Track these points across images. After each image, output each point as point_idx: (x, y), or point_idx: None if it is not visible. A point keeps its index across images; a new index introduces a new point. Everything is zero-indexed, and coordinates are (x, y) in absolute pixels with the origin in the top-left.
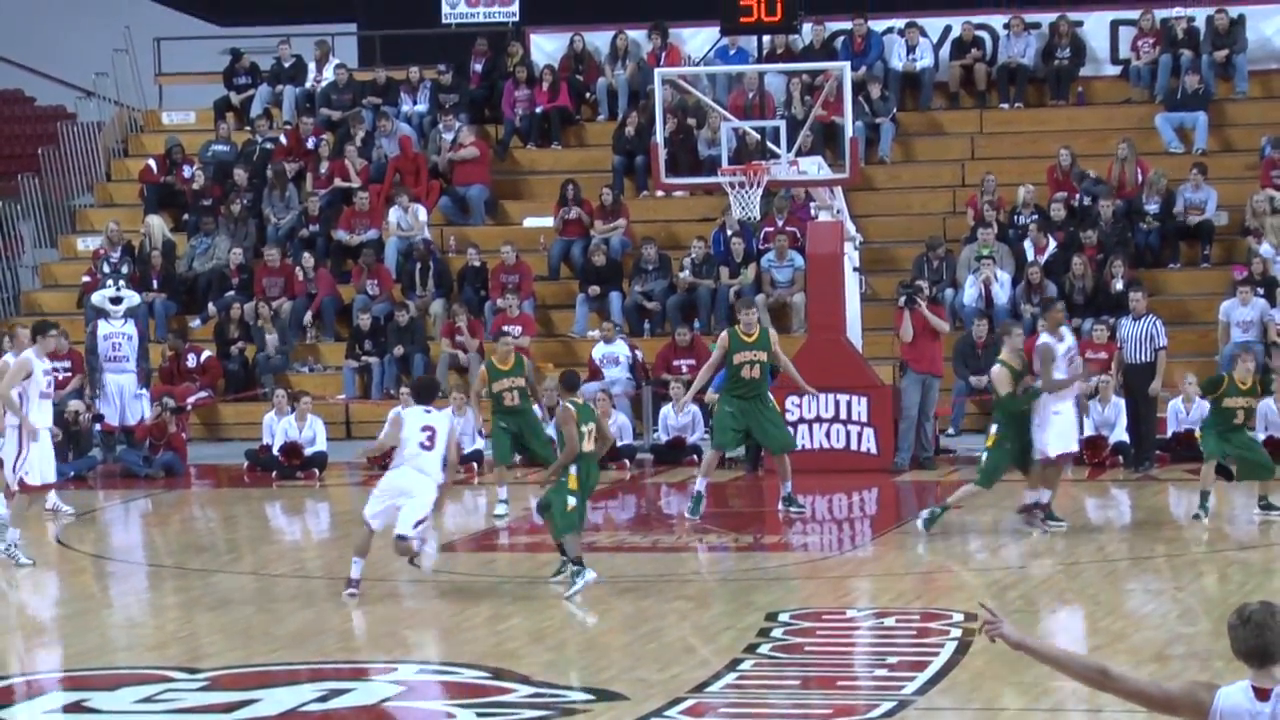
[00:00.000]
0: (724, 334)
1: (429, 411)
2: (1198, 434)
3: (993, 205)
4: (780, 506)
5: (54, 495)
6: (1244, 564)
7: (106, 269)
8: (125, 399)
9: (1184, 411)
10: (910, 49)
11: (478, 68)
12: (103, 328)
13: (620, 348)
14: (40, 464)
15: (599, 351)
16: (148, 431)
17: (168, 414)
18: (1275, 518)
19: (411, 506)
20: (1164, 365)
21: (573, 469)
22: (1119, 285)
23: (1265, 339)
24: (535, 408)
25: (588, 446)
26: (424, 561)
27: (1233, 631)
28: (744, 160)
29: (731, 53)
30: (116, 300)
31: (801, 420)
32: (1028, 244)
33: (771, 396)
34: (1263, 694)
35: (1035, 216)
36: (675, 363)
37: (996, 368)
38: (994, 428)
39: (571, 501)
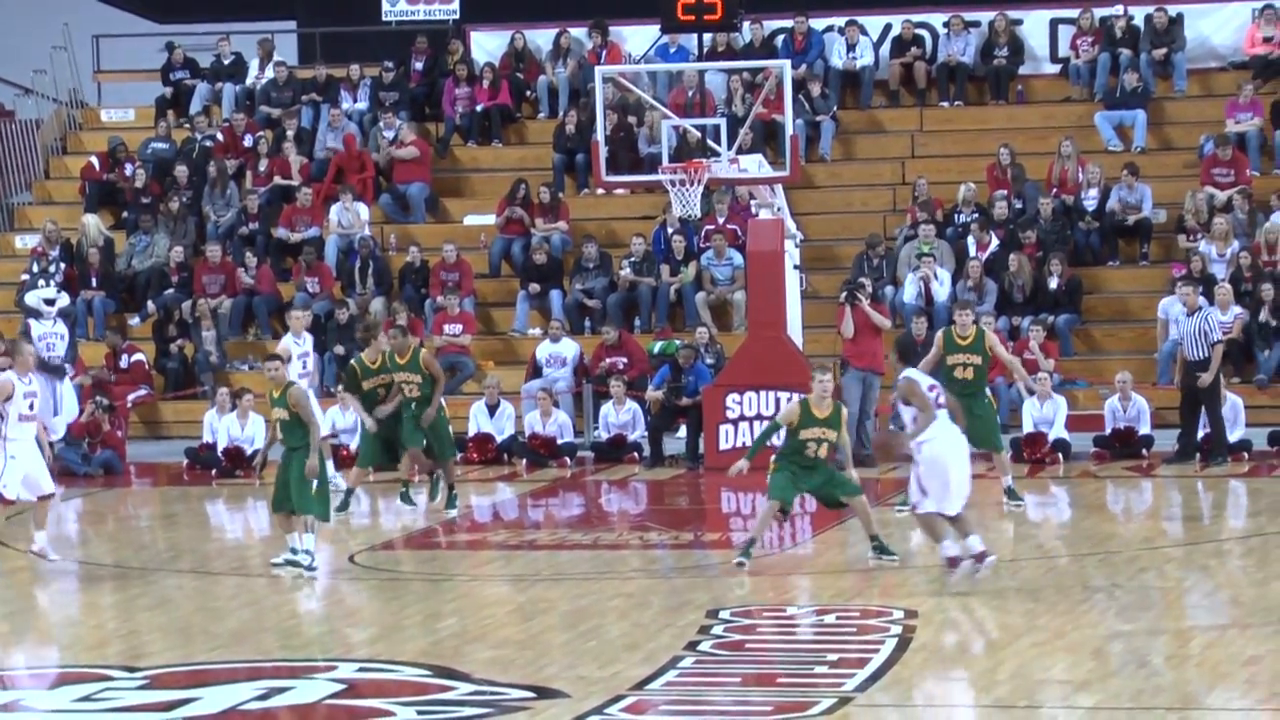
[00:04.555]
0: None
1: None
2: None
3: (926, 209)
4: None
5: (43, 536)
6: (1182, 560)
7: (36, 269)
8: (58, 398)
9: (1120, 410)
10: (850, 47)
11: (418, 65)
12: (36, 328)
13: (567, 347)
14: (13, 480)
15: (544, 351)
16: (83, 430)
17: (100, 412)
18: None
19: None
20: (1219, 359)
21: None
22: (1055, 283)
23: None
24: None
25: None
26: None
27: None
28: (685, 158)
29: (672, 51)
30: (50, 301)
31: (742, 418)
32: (970, 241)
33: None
34: None
35: (976, 215)
36: (610, 360)
37: None
38: None
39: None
